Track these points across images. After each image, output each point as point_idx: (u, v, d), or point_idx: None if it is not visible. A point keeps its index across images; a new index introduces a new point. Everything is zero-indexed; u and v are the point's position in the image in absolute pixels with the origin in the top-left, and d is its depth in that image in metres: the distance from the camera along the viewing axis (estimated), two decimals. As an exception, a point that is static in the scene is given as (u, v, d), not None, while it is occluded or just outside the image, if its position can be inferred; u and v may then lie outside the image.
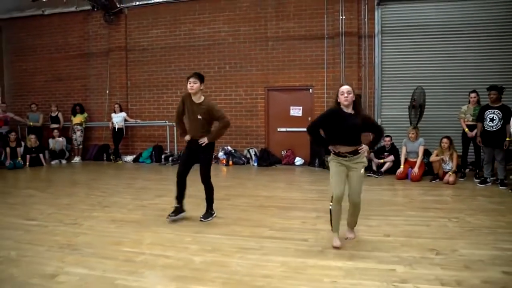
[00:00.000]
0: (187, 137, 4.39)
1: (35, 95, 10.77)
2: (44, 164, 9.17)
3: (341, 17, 8.87)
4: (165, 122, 9.83)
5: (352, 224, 3.76)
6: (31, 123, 9.83)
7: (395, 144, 7.77)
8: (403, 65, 8.77)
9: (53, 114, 10.01)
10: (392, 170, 7.47)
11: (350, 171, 3.48)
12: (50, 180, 7.56)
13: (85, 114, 10.04)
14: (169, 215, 4.27)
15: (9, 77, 11.23)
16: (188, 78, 4.29)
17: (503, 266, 3.07)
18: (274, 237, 3.79)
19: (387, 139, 7.78)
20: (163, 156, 9.43)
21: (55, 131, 9.71)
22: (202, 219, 4.33)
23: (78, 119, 9.87)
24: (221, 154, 9.41)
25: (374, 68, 8.92)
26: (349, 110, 3.43)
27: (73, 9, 9.84)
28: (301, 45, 9.26)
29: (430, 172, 7.14)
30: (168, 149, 9.75)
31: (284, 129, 9.60)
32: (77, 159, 9.87)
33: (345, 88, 3.45)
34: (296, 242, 3.63)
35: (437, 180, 6.87)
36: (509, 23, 8.24)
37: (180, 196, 4.37)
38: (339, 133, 3.41)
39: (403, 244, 3.59)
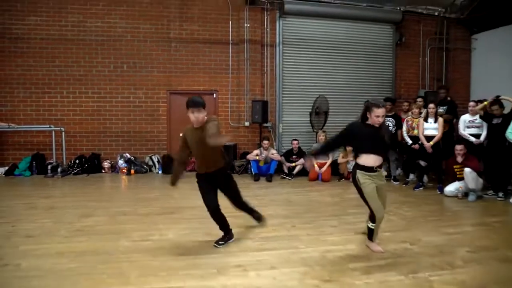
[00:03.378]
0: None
1: None
2: None
3: (245, 24, 9.07)
4: (50, 127, 8.28)
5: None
6: None
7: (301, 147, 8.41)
8: (301, 74, 9.51)
9: None
10: (302, 172, 8.04)
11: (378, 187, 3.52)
12: None
13: None
14: (218, 243, 3.73)
15: None
16: (188, 107, 3.44)
17: (462, 246, 3.75)
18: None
19: (295, 142, 8.34)
20: (49, 167, 7.91)
21: None
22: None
23: None
24: (121, 163, 8.48)
25: (276, 76, 9.42)
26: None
27: None
28: (205, 48, 9.10)
29: (335, 173, 7.97)
30: (54, 158, 8.23)
31: (186, 134, 9.24)
32: None
33: (382, 111, 3.37)
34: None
35: (343, 179, 7.73)
36: (379, 46, 9.92)
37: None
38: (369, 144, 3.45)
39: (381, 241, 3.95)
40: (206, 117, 3.48)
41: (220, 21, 9.09)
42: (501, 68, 9.13)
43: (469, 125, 6.65)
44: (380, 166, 3.49)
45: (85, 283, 2.90)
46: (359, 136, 3.48)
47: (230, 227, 3.83)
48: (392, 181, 7.44)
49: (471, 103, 6.77)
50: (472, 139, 6.49)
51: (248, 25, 9.09)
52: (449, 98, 7.83)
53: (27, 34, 8.22)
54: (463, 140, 6.58)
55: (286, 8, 9.10)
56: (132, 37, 8.75)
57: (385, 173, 3.63)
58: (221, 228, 3.78)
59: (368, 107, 3.41)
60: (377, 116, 3.34)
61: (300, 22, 9.48)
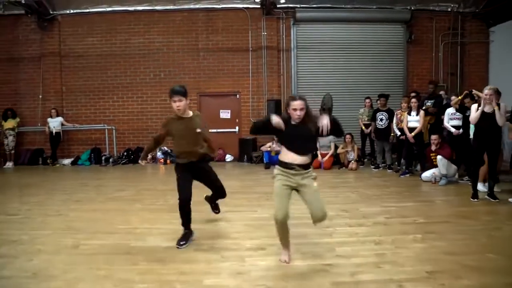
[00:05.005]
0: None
1: (-40, 100, 10.33)
2: (-26, 170, 9.09)
3: (263, 33, 10.37)
4: (104, 126, 10.34)
5: None
6: (-44, 129, 9.55)
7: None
8: (313, 75, 10.62)
9: (-19, 120, 9.85)
10: (308, 162, 9.18)
11: (301, 188, 3.16)
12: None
13: (17, 119, 10.02)
14: (180, 244, 3.69)
15: None
16: (171, 96, 3.57)
17: (384, 214, 4.77)
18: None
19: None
20: (103, 158, 9.96)
21: (-15, 137, 9.60)
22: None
23: (10, 123, 9.83)
24: (159, 154, 10.27)
25: (291, 77, 10.62)
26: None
27: (0, 12, 9.70)
28: (229, 56, 10.55)
29: (338, 162, 9.00)
30: (107, 151, 10.27)
31: (215, 130, 10.75)
32: (9, 164, 9.84)
33: (298, 103, 3.08)
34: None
35: (343, 168, 8.75)
36: (389, 44, 10.65)
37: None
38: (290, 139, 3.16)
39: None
40: (191, 111, 3.71)
41: (241, 31, 10.48)
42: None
43: (452, 117, 7.33)
44: (304, 167, 3.14)
45: (104, 224, 4.51)
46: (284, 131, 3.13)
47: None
48: (387, 169, 8.32)
49: (453, 97, 7.46)
50: (452, 129, 7.19)
51: (265, 33, 10.39)
52: (441, 93, 8.48)
53: (86, 52, 10.32)
54: (442, 131, 7.33)
55: (298, 16, 10.24)
56: (167, 49, 10.49)
57: (314, 175, 3.22)
58: (183, 224, 3.77)
59: (287, 103, 3.20)
60: (294, 109, 3.08)
61: (312, 27, 10.58)
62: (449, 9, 10.67)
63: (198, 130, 3.71)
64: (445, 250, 3.55)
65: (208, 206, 4.49)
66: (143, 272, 3.13)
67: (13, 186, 7.46)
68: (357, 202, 5.48)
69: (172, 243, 3.76)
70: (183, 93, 3.57)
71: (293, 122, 3.16)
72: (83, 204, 5.61)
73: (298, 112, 3.09)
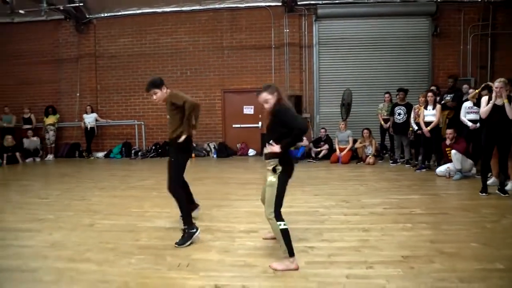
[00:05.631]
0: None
1: (8, 98, 11.34)
2: (20, 162, 10.02)
3: (285, 30, 10.59)
4: (134, 121, 11.02)
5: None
6: (4, 124, 10.53)
7: (329, 135, 9.65)
8: (335, 70, 10.70)
9: (26, 116, 10.81)
10: (327, 156, 9.32)
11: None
12: (38, 174, 8.56)
13: (57, 115, 10.93)
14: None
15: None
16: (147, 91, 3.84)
17: (384, 205, 4.89)
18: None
19: (322, 130, 9.63)
20: (133, 151, 10.63)
21: (29, 131, 10.53)
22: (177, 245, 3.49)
23: (51, 119, 10.74)
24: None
25: (313, 73, 10.76)
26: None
27: (43, 18, 10.60)
28: (252, 53, 10.86)
29: (356, 157, 9.06)
30: (137, 145, 10.94)
31: (238, 125, 11.16)
32: (50, 156, 10.75)
33: (260, 98, 3.01)
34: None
35: (361, 162, 8.81)
36: (413, 38, 10.51)
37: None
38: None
39: (326, 199, 5.31)
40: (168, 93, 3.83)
41: (264, 29, 10.76)
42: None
43: (469, 111, 7.20)
44: (266, 156, 3.04)
45: (120, 207, 4.98)
46: None
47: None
48: (405, 164, 8.29)
49: (470, 90, 7.33)
50: (469, 123, 7.07)
51: (287, 30, 10.60)
52: (465, 86, 8.30)
53: (118, 52, 11.04)
54: (461, 125, 7.24)
55: (320, 13, 10.37)
56: (193, 48, 10.97)
57: (272, 165, 2.98)
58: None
59: None
60: (261, 104, 3.04)
61: (334, 23, 10.66)
62: (479, 0, 10.34)
63: (168, 117, 3.93)
64: (430, 238, 3.66)
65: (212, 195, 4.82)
66: (143, 246, 3.53)
67: (49, 175, 8.24)
68: (362, 194, 5.61)
69: (175, 225, 4.14)
70: (155, 85, 3.77)
71: None
72: (106, 191, 6.16)
73: (265, 105, 3.01)
